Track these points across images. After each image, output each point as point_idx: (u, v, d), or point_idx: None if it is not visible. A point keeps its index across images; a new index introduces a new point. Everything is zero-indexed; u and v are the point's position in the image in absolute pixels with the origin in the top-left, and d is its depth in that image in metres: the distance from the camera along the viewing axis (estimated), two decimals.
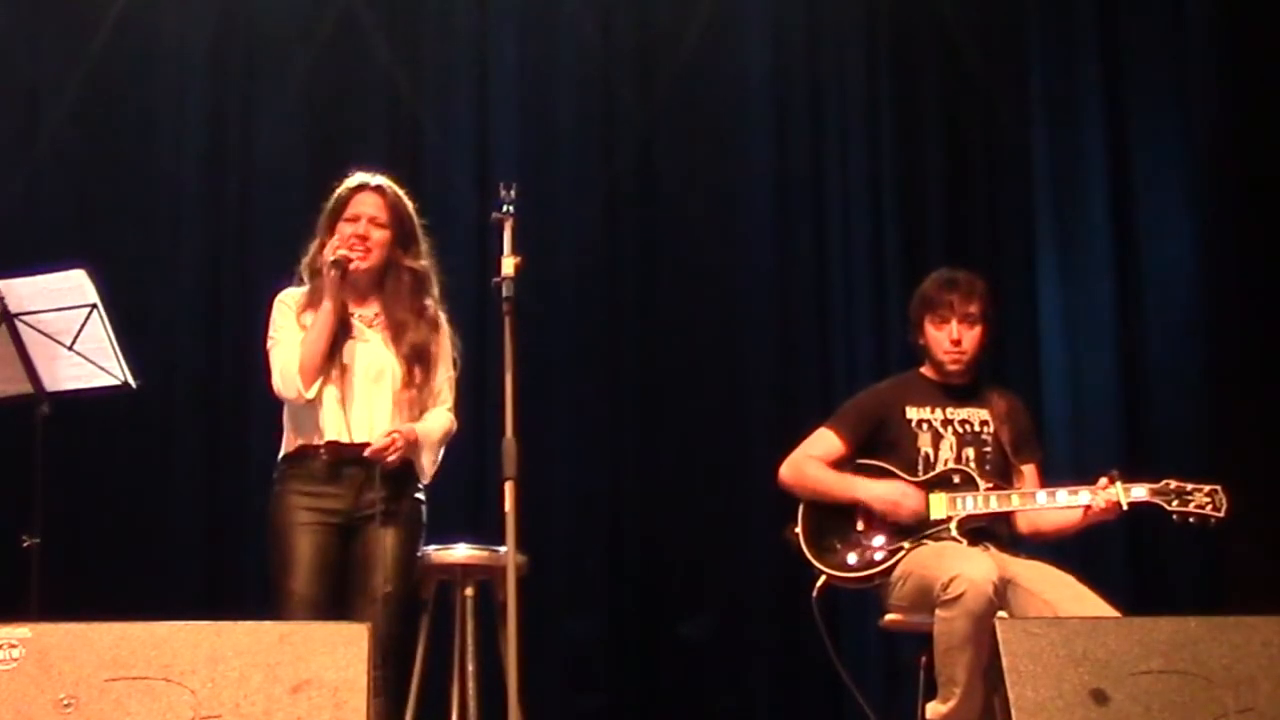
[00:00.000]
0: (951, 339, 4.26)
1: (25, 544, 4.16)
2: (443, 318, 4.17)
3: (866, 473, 4.26)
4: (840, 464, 4.29)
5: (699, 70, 5.81)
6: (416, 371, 4.04)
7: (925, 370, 4.39)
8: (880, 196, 5.86)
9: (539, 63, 5.84)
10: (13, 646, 3.08)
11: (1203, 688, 3.27)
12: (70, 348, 4.21)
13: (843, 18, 5.96)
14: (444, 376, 4.13)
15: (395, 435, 3.95)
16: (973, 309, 4.26)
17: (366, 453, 3.93)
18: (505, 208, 3.79)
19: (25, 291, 4.19)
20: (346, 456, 3.95)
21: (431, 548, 4.30)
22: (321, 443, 3.96)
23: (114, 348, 4.23)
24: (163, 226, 5.55)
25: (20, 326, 4.19)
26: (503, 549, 3.71)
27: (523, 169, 5.46)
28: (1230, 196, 5.62)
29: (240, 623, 3.25)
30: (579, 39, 5.83)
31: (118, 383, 4.27)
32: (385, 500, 3.93)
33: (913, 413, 4.29)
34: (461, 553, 4.28)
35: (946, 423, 4.28)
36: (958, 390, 4.32)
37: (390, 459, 3.94)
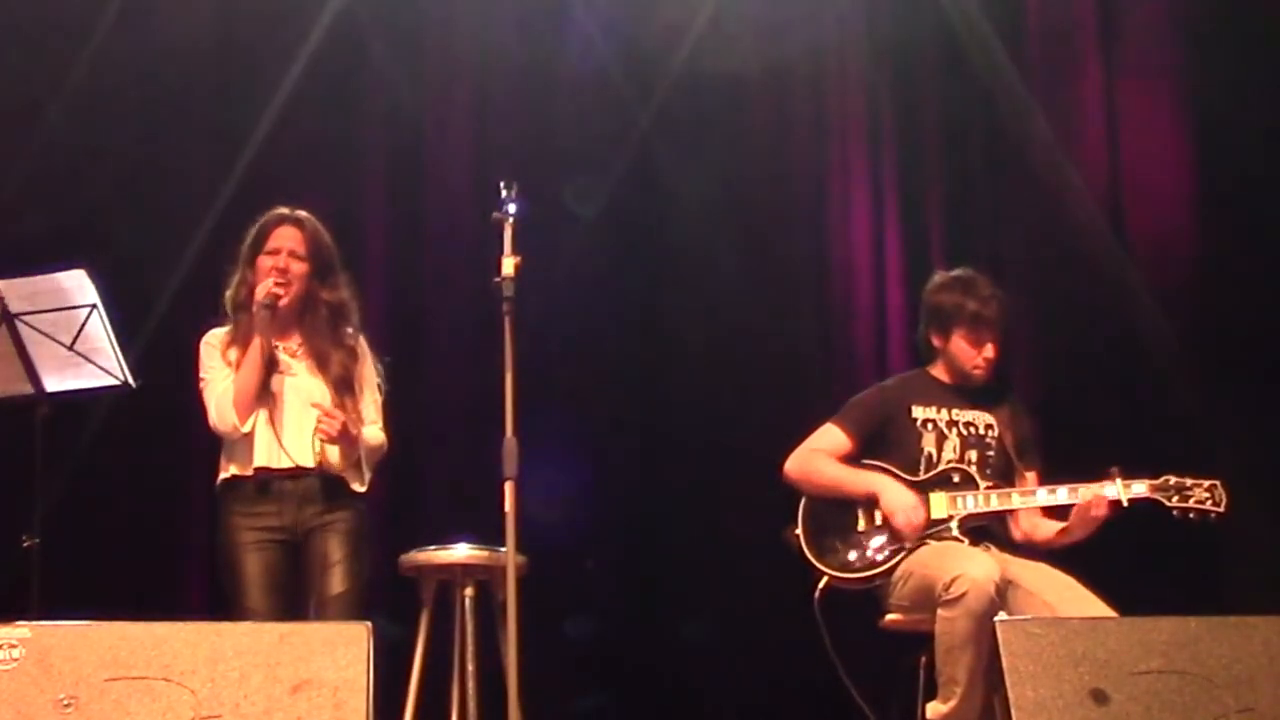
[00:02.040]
0: (986, 357, 4.29)
1: (25, 544, 4.16)
2: (363, 345, 4.27)
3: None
4: (845, 460, 4.29)
5: (699, 70, 5.81)
6: (345, 398, 4.13)
7: (934, 370, 4.39)
8: (880, 196, 5.86)
9: (539, 63, 5.84)
10: (13, 646, 3.08)
11: (1203, 688, 3.27)
12: (70, 348, 4.21)
13: (843, 17, 5.96)
14: (370, 399, 4.23)
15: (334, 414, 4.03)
16: (1001, 323, 4.30)
17: (318, 414, 4.00)
18: (505, 208, 3.80)
19: (25, 291, 4.19)
20: (274, 479, 4.04)
21: (431, 548, 4.32)
22: (251, 470, 4.05)
23: (114, 348, 4.23)
24: (163, 226, 5.54)
25: (20, 326, 4.19)
26: (503, 549, 3.72)
27: (523, 169, 5.45)
28: (1231, 190, 5.62)
29: (240, 623, 3.26)
30: (579, 39, 5.83)
31: (118, 383, 4.27)
32: (323, 510, 4.03)
33: (919, 412, 4.29)
34: (461, 553, 4.29)
35: (952, 424, 4.29)
36: (966, 392, 4.33)
37: (330, 426, 3.99)
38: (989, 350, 4.30)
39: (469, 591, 4.31)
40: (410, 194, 5.73)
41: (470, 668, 4.25)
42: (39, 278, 4.20)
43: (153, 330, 5.28)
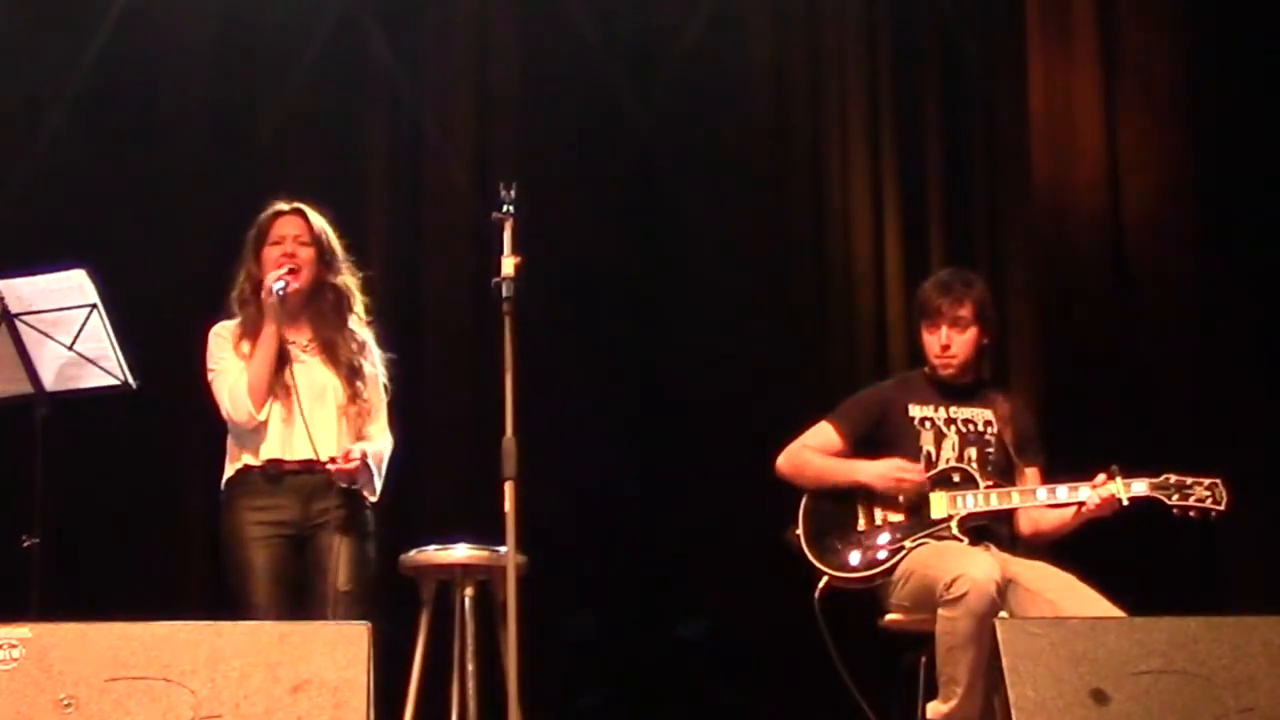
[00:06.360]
0: (941, 344, 4.27)
1: (25, 544, 4.16)
2: (369, 338, 4.26)
3: None
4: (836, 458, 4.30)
5: (699, 69, 5.81)
6: (358, 386, 4.15)
7: (929, 369, 4.39)
8: (881, 196, 5.86)
9: (539, 63, 5.84)
10: (13, 646, 3.08)
11: (1203, 688, 3.27)
12: (70, 348, 4.20)
13: (843, 16, 5.96)
14: (376, 394, 4.22)
15: (358, 453, 4.03)
16: (963, 313, 4.25)
17: (332, 469, 4.01)
18: (505, 208, 3.80)
19: (25, 291, 4.19)
20: (286, 471, 4.05)
21: (431, 548, 4.32)
22: (261, 461, 4.05)
23: (114, 348, 4.23)
24: (163, 226, 5.54)
25: (20, 326, 4.18)
26: (503, 549, 3.72)
27: (522, 169, 5.45)
28: (1231, 188, 5.62)
29: (240, 623, 3.26)
30: (579, 39, 5.83)
31: (118, 383, 4.27)
32: (331, 506, 4.02)
33: (915, 410, 4.29)
34: (461, 553, 4.29)
35: (950, 421, 4.28)
36: (961, 390, 4.32)
37: (352, 479, 4.02)
38: (943, 337, 4.26)
39: (469, 591, 4.30)
40: (410, 194, 5.73)
41: (470, 668, 4.24)
42: (39, 278, 4.20)
43: (153, 330, 5.28)
